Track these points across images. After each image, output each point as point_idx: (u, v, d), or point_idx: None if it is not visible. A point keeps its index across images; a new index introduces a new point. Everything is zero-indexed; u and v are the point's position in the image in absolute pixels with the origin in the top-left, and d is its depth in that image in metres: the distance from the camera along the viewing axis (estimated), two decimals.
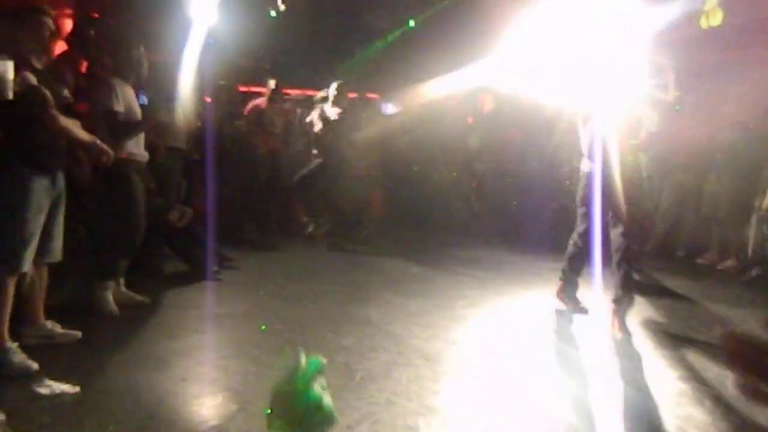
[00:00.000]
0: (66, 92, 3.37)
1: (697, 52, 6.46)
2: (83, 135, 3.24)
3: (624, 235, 3.90)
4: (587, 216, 4.09)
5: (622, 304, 3.85)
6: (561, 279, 4.32)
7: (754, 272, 5.69)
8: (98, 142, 3.40)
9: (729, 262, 6.03)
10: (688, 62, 5.14)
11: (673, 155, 6.39)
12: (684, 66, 4.60)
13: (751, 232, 5.84)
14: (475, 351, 3.45)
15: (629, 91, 4.06)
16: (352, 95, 9.15)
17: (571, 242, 4.26)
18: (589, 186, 4.03)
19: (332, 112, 6.68)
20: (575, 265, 4.25)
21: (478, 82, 7.83)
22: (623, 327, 3.79)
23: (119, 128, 3.80)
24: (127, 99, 3.89)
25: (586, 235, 4.11)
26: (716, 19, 7.13)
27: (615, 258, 3.95)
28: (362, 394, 2.77)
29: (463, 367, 3.19)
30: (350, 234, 6.46)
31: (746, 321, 4.18)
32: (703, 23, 7.16)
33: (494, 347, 3.53)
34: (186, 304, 4.06)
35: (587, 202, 4.07)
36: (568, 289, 4.28)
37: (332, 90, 6.79)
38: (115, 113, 3.78)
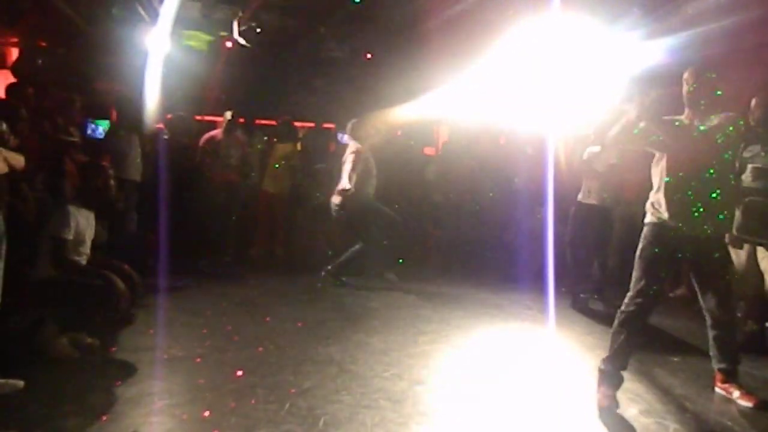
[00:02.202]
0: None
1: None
2: None
3: None
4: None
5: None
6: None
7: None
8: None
9: (679, 291, 6.20)
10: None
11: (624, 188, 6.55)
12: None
13: None
14: (440, 390, 3.40)
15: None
16: (308, 125, 9.15)
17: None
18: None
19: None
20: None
21: (434, 113, 7.93)
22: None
23: (64, 261, 3.75)
24: (81, 224, 3.85)
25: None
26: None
27: None
28: None
29: (428, 409, 3.13)
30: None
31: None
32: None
33: (458, 386, 3.49)
34: (138, 346, 3.87)
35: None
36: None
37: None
38: (64, 241, 3.72)
